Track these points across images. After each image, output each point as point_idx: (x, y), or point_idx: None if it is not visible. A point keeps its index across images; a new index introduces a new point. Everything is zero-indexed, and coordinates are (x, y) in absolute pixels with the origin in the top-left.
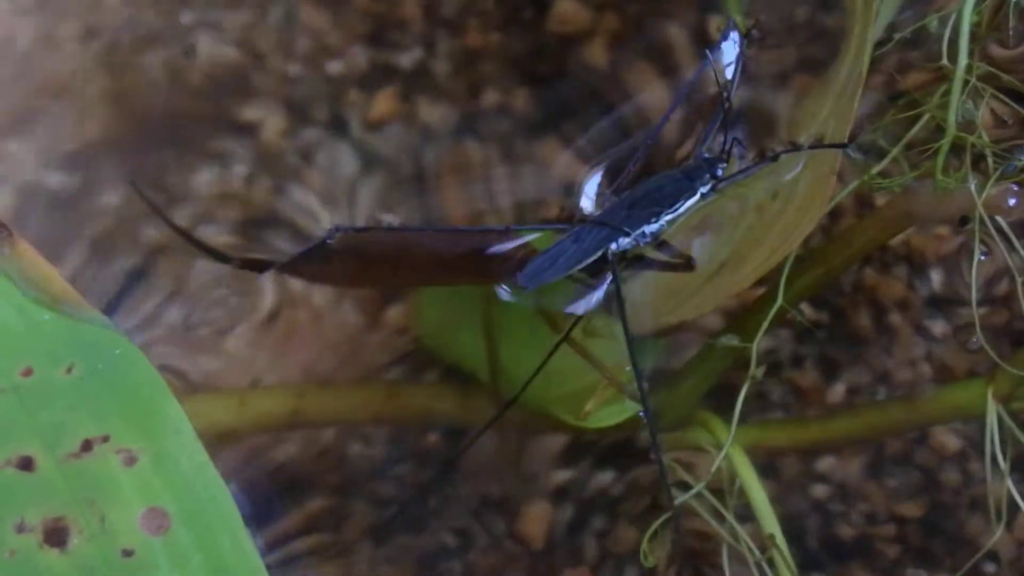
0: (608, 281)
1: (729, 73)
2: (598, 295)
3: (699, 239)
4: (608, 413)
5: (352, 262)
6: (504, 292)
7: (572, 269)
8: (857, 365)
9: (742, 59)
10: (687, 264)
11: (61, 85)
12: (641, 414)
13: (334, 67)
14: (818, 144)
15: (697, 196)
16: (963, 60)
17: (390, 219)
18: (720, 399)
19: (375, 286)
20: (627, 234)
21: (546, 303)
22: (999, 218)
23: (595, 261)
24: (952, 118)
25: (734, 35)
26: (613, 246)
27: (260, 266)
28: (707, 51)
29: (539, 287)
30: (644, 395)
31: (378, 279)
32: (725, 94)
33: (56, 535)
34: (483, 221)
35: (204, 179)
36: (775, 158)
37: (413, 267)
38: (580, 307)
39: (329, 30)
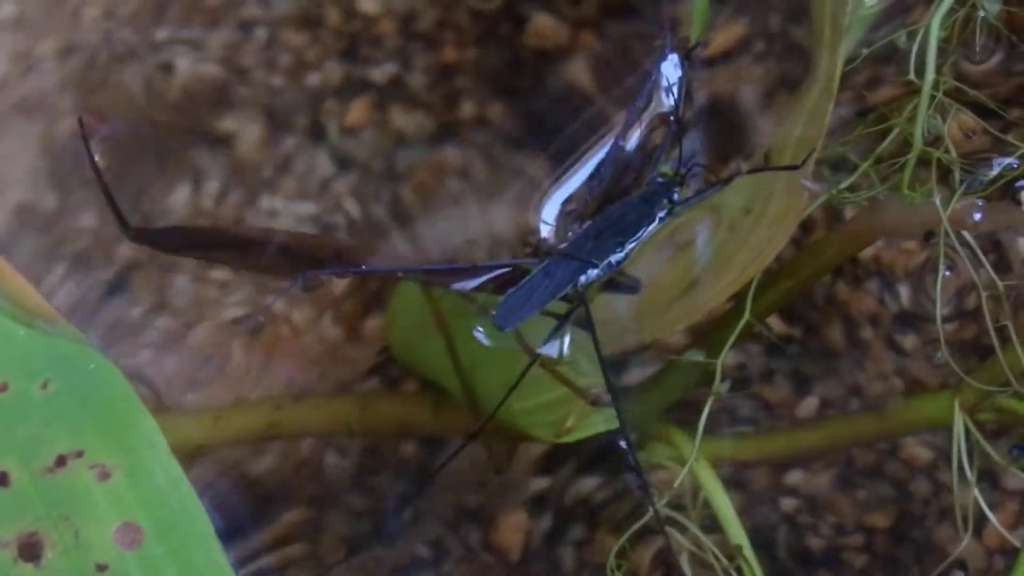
0: (575, 314)
1: (674, 93)
2: (567, 338)
3: (668, 254)
4: (583, 425)
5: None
6: (479, 335)
7: (546, 304)
8: (829, 379)
9: (686, 79)
10: (632, 287)
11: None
12: (621, 442)
13: (312, 79)
14: (771, 167)
15: (656, 221)
16: (930, 75)
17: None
18: (687, 414)
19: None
20: (595, 266)
21: (522, 339)
22: (965, 232)
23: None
24: (918, 132)
25: (672, 56)
26: (583, 278)
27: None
28: (652, 70)
29: (515, 326)
30: (624, 423)
31: (281, 269)
32: (672, 115)
33: (31, 550)
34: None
35: (180, 197)
36: (728, 181)
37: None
38: (554, 349)
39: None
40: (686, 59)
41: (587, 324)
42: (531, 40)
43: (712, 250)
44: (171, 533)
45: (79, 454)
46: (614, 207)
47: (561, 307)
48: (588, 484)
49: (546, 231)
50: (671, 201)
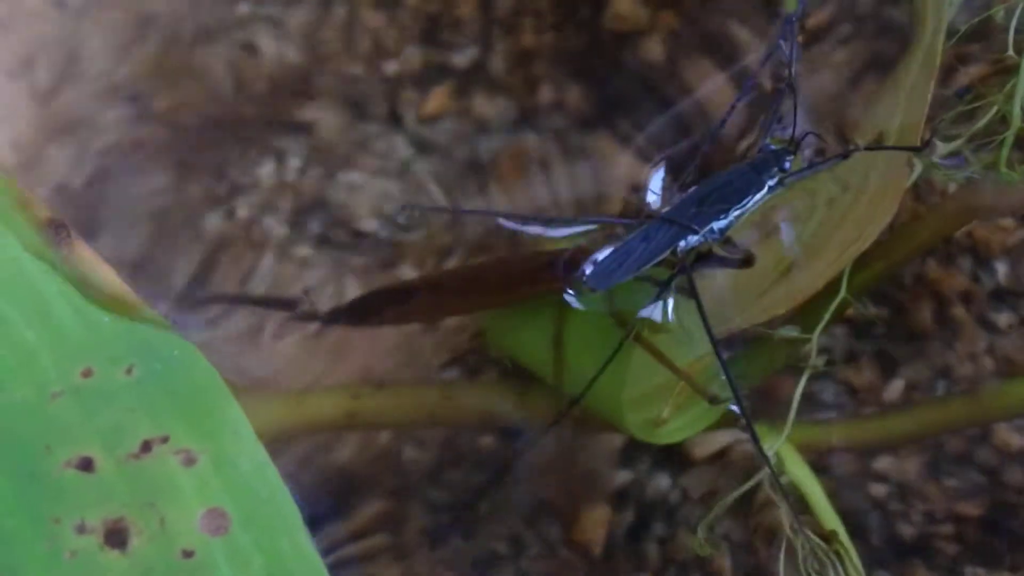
0: (672, 292)
1: (791, 64)
2: (670, 300)
3: (760, 236)
4: (681, 425)
5: (429, 298)
6: (571, 298)
7: (642, 269)
8: (916, 361)
9: (798, 50)
10: (747, 260)
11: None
12: (734, 407)
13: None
14: (893, 146)
15: (765, 190)
16: None
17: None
18: (767, 400)
19: (452, 315)
20: (696, 232)
21: (617, 305)
22: None
23: (663, 259)
24: (1016, 110)
25: (791, 27)
26: (682, 244)
27: (329, 318)
28: (780, 42)
29: (608, 288)
30: (737, 390)
31: (455, 309)
32: (788, 84)
33: (116, 536)
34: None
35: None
36: (846, 156)
37: (485, 291)
38: (655, 312)
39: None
40: (797, 27)
41: (691, 290)
42: (610, 23)
43: (810, 230)
44: (257, 520)
45: (164, 440)
46: (721, 173)
47: (665, 274)
48: (665, 482)
49: (651, 197)
50: (782, 170)
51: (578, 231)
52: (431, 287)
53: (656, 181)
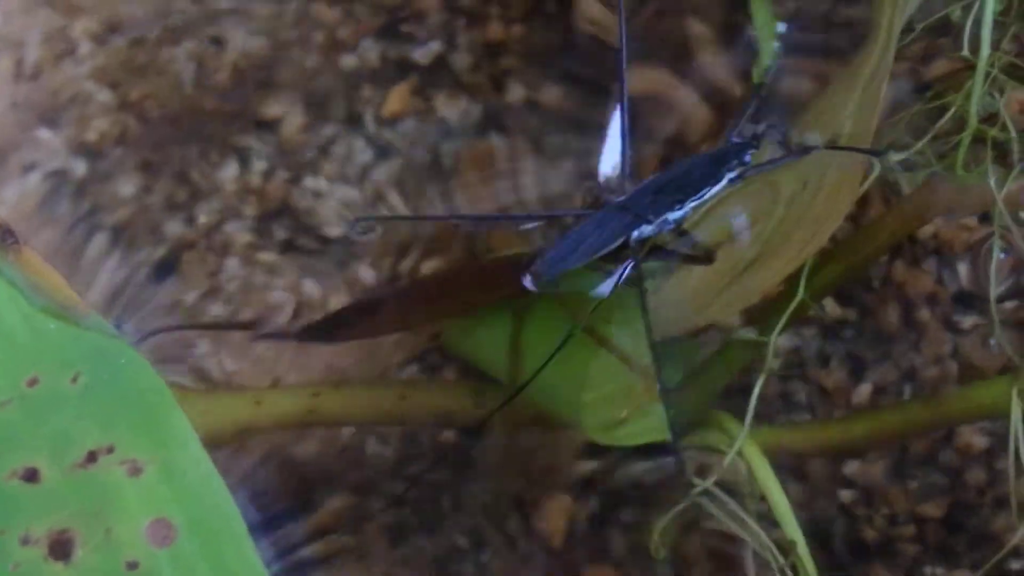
0: (629, 265)
1: (769, 57)
2: (618, 278)
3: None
4: (641, 429)
5: (396, 309)
6: (527, 282)
7: (593, 256)
8: (883, 363)
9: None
10: (707, 257)
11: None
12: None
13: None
14: (852, 147)
15: (723, 182)
16: (985, 51)
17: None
18: (743, 401)
19: (420, 325)
20: (650, 222)
21: (569, 288)
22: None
23: (616, 248)
24: (973, 110)
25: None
26: (635, 233)
27: (299, 336)
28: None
29: (559, 274)
30: (665, 390)
31: (422, 319)
32: (759, 83)
33: (61, 547)
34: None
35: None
36: (806, 151)
37: (450, 299)
38: (604, 289)
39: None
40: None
41: (636, 281)
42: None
43: (770, 227)
44: (203, 529)
45: (110, 449)
46: (681, 163)
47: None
48: (639, 467)
49: (607, 183)
50: (742, 163)
51: (533, 226)
52: (397, 298)
53: (611, 166)
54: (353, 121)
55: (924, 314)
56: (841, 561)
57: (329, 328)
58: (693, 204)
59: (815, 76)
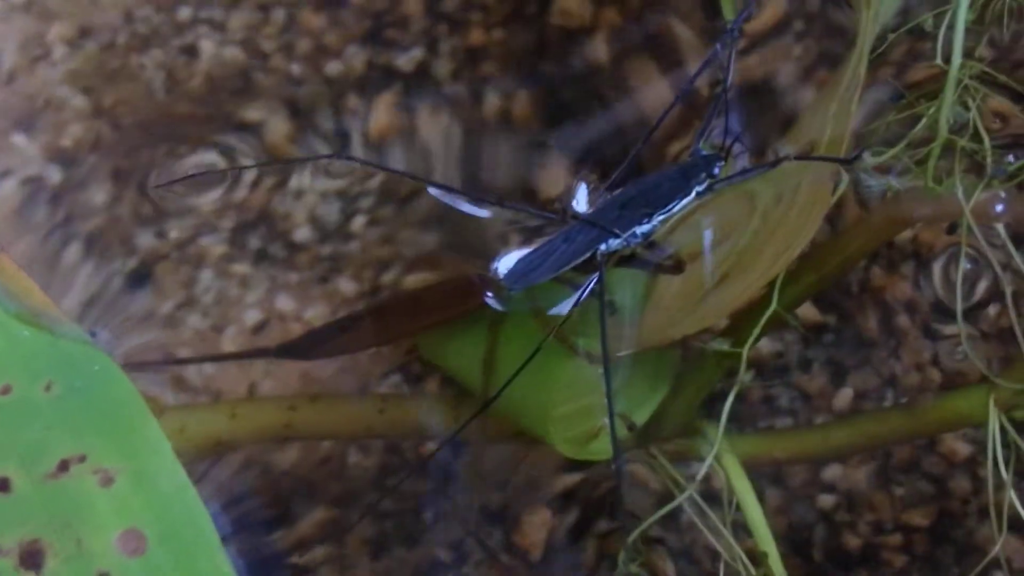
0: (593, 280)
1: (725, 67)
2: (581, 292)
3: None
4: (607, 444)
5: (372, 325)
6: (492, 300)
7: (561, 270)
8: (864, 369)
9: (733, 56)
10: (677, 267)
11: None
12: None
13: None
14: (822, 156)
15: (692, 196)
16: (957, 60)
17: None
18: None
19: (395, 340)
20: (618, 236)
21: (536, 304)
22: (992, 225)
23: (584, 262)
24: (943, 120)
25: (734, 31)
26: (603, 247)
27: (278, 353)
28: (718, 47)
29: (526, 288)
30: (611, 398)
31: (398, 333)
32: (722, 90)
33: (32, 558)
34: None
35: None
36: (776, 163)
37: (424, 313)
38: (565, 307)
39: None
40: (734, 33)
41: (599, 295)
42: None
43: (745, 240)
44: (175, 540)
45: (82, 459)
46: (649, 177)
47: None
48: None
49: (579, 204)
50: (711, 176)
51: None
52: (373, 314)
53: (583, 188)
54: (343, 138)
55: (903, 320)
56: (823, 569)
57: (307, 346)
58: (661, 218)
59: (807, 82)
